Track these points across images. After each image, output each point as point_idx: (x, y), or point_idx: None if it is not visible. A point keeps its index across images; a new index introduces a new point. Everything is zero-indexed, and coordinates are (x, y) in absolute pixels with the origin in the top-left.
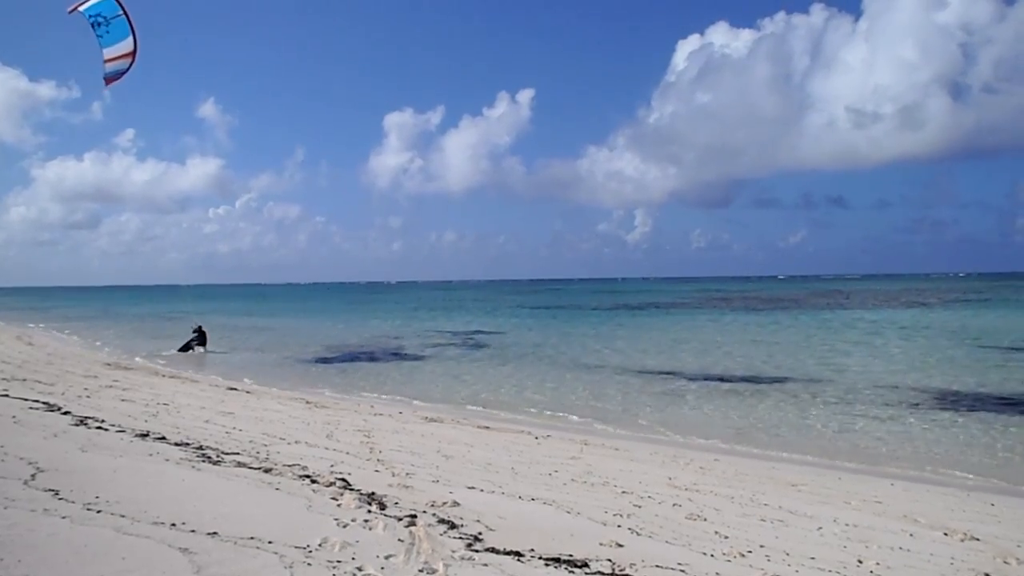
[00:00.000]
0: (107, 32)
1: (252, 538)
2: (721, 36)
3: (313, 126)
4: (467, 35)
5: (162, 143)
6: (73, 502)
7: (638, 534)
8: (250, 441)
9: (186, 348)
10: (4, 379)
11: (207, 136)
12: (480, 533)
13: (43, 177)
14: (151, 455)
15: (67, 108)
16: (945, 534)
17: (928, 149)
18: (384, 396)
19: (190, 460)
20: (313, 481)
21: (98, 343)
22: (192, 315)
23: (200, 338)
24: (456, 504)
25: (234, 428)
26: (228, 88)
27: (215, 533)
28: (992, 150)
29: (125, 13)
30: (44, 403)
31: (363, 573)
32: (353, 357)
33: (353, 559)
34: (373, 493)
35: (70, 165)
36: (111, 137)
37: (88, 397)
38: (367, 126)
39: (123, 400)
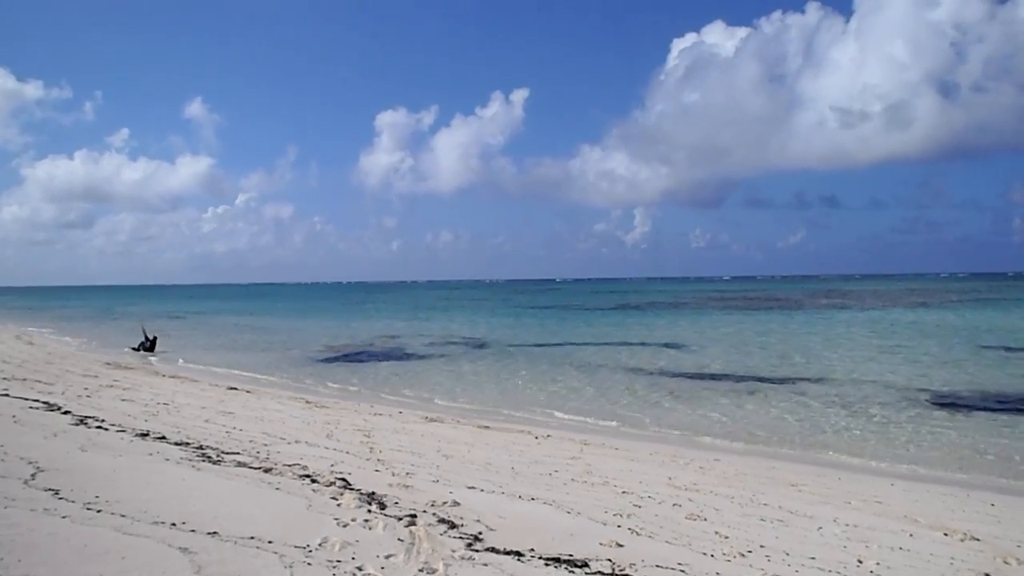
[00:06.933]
0: None
1: (252, 538)
2: (717, 35)
3: (305, 125)
4: (461, 34)
5: (152, 142)
6: (73, 502)
7: (638, 534)
8: (250, 441)
9: (139, 348)
10: (4, 379)
11: (196, 135)
12: (480, 533)
13: (34, 176)
14: (151, 455)
15: (56, 107)
16: (945, 534)
17: (920, 148)
18: (384, 396)
19: (190, 460)
20: (313, 481)
21: (88, 341)
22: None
23: (151, 344)
24: (456, 504)
25: (234, 428)
26: (217, 87)
27: (215, 533)
28: (984, 150)
29: None
30: (44, 403)
31: (363, 573)
32: (352, 357)
33: (353, 559)
34: (373, 493)
35: (61, 164)
36: (102, 136)
37: (88, 397)
38: (359, 125)
39: (123, 400)
